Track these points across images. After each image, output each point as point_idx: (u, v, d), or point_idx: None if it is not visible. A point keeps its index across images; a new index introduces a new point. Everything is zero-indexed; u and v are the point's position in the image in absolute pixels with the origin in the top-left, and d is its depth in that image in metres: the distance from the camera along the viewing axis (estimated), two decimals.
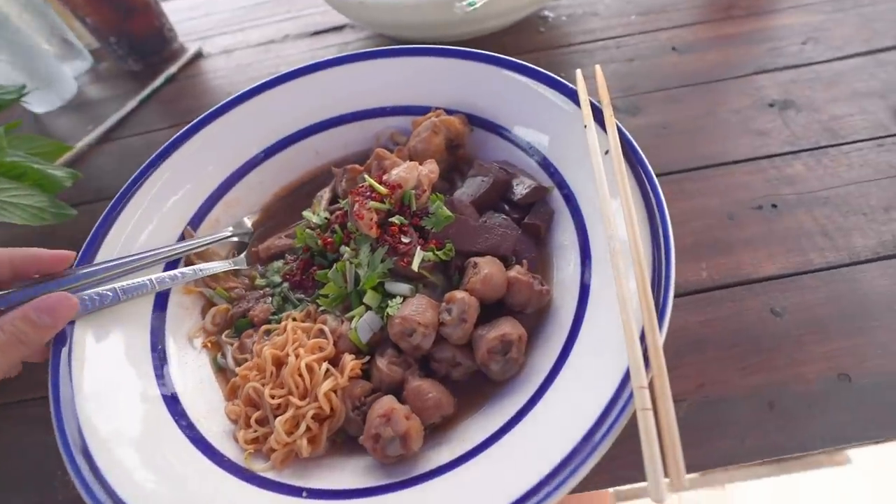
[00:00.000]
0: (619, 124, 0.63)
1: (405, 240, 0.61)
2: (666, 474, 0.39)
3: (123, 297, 0.62)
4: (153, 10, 1.23)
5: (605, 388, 0.45)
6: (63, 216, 0.79)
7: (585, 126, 0.64)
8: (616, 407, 0.44)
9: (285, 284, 0.70)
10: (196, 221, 0.75)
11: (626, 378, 0.45)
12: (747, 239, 0.73)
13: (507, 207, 0.70)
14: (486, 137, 0.78)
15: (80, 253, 0.65)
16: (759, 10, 1.07)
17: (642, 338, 0.47)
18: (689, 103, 0.93)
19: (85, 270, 0.62)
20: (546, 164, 0.71)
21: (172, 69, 1.22)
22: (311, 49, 1.21)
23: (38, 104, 1.19)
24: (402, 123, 0.83)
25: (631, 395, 0.43)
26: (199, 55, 1.27)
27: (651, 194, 0.57)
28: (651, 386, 0.43)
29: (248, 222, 0.78)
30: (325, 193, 0.76)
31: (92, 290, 0.61)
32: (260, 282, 0.72)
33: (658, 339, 0.45)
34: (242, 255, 0.75)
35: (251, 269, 0.74)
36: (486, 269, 0.58)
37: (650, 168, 0.60)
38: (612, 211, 0.56)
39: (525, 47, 1.10)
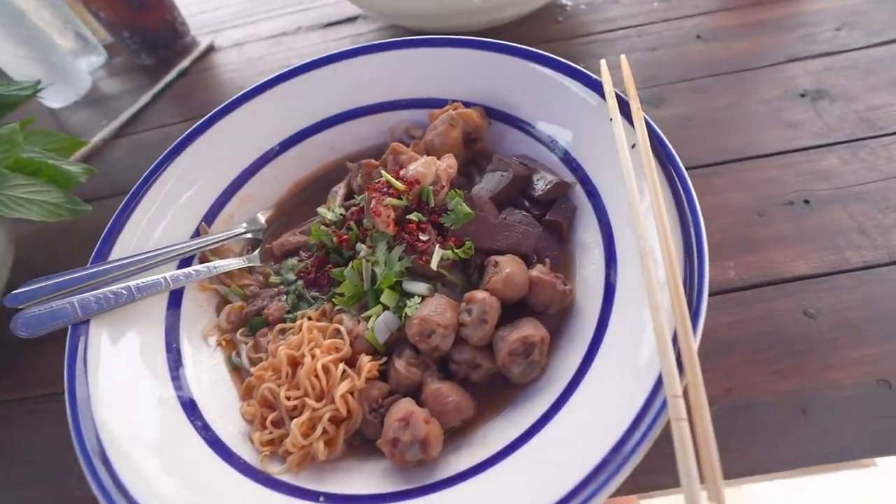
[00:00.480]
0: (647, 117, 0.60)
1: (423, 237, 0.59)
2: (701, 481, 0.37)
3: (138, 296, 0.62)
4: (165, 3, 1.22)
5: (636, 396, 0.43)
6: (78, 212, 0.79)
7: (611, 119, 0.61)
8: (648, 415, 0.42)
9: (300, 282, 0.69)
10: (210, 217, 0.74)
11: (658, 385, 0.43)
12: (778, 236, 0.70)
13: (527, 203, 0.68)
14: (505, 131, 0.76)
15: (95, 251, 0.65)
16: None
17: (674, 342, 0.44)
18: (714, 94, 0.89)
19: (99, 268, 0.62)
20: (568, 159, 0.69)
21: (185, 63, 1.21)
22: (324, 41, 1.20)
23: (53, 99, 1.20)
24: (417, 116, 0.81)
25: (664, 404, 0.41)
26: (210, 49, 1.26)
27: (681, 191, 0.54)
28: (685, 394, 0.41)
29: (262, 218, 0.77)
30: (340, 189, 0.74)
31: (107, 289, 0.60)
32: (274, 279, 0.71)
33: (692, 344, 0.43)
34: (256, 252, 0.74)
35: (265, 266, 0.73)
36: (508, 268, 0.56)
37: (680, 163, 0.57)
38: (642, 208, 0.53)
39: (542, 37, 1.07)
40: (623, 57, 0.69)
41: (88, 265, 0.62)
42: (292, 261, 0.72)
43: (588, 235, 0.64)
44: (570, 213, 0.66)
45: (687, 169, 0.57)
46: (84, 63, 1.27)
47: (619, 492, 0.52)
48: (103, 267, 0.62)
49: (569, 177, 0.68)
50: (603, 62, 0.68)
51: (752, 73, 0.91)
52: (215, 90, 1.16)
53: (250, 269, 0.73)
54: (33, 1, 1.14)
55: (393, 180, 0.61)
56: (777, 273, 0.67)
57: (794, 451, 0.55)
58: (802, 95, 0.85)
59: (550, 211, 0.66)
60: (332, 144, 0.81)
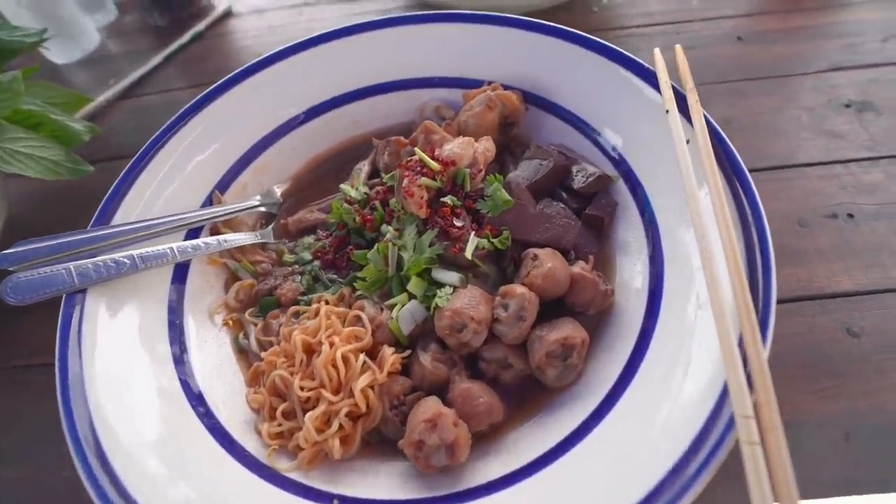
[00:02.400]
0: (706, 113, 0.57)
1: (458, 223, 0.54)
2: None
3: (141, 266, 0.56)
4: None
5: (696, 411, 0.39)
6: (79, 172, 0.73)
7: (667, 111, 0.57)
8: (712, 435, 0.37)
9: (316, 263, 0.64)
10: (223, 186, 0.69)
11: (722, 400, 0.39)
12: (820, 249, 0.67)
13: (564, 196, 0.64)
14: (543, 118, 0.71)
15: (97, 213, 0.59)
16: (834, 3, 0.99)
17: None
18: (754, 98, 0.86)
19: (101, 233, 0.57)
20: (612, 153, 0.64)
21: (200, 26, 1.15)
22: (347, 14, 1.14)
23: (58, 54, 1.12)
24: (448, 96, 0.76)
25: (730, 422, 0.37)
26: (228, 13, 1.20)
27: (741, 189, 0.51)
28: (756, 414, 0.37)
29: (278, 191, 0.72)
30: (364, 166, 0.69)
31: (107, 256, 0.55)
32: (288, 258, 0.66)
33: (763, 356, 0.39)
34: (270, 228, 0.69)
35: (279, 243, 0.68)
36: (549, 262, 0.52)
37: (740, 160, 0.53)
38: (701, 206, 0.49)
39: (577, 27, 1.01)
40: (678, 47, 0.65)
41: (89, 228, 0.57)
42: (309, 239, 0.67)
43: (630, 235, 0.60)
44: (611, 209, 0.62)
45: None
46: (93, 20, 1.20)
47: None
48: (105, 231, 0.57)
49: (611, 170, 0.64)
50: (657, 51, 0.64)
51: (794, 79, 0.88)
52: (232, 57, 1.10)
53: (263, 245, 0.68)
54: None
55: (428, 159, 0.57)
56: (819, 288, 0.64)
57: (835, 477, 0.52)
58: (847, 106, 0.82)
59: (590, 205, 0.62)
60: (357, 118, 0.76)
